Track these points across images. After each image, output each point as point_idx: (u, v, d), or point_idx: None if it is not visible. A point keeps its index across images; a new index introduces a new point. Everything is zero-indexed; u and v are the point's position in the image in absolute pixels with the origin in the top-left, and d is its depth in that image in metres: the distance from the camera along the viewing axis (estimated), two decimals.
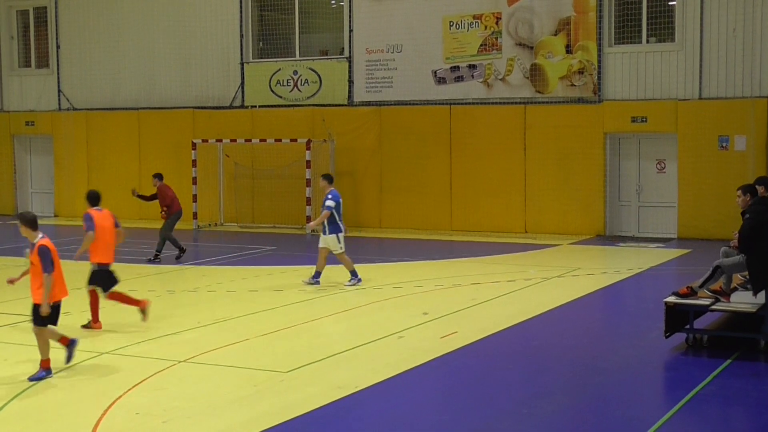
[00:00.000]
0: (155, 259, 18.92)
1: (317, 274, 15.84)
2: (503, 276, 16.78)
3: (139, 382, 9.86)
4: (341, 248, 15.63)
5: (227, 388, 9.74)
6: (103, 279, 12.42)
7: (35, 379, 9.93)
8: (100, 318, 12.59)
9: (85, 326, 12.52)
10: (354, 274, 15.81)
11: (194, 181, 25.10)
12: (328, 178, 16.12)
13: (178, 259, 18.77)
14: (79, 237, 23.39)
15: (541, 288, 15.64)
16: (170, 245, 19.10)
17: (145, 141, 27.25)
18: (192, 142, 25.35)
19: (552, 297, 14.60)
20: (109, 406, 8.99)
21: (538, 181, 22.82)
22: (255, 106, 25.96)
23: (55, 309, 10.18)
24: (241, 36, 26.05)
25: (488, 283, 15.99)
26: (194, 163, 25.19)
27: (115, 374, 10.29)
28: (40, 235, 10.11)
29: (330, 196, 15.61)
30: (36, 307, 10.05)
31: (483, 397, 9.51)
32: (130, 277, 17.23)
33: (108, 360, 10.96)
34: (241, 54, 26.09)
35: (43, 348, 10.09)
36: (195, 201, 25.04)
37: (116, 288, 12.56)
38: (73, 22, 28.53)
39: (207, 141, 25.48)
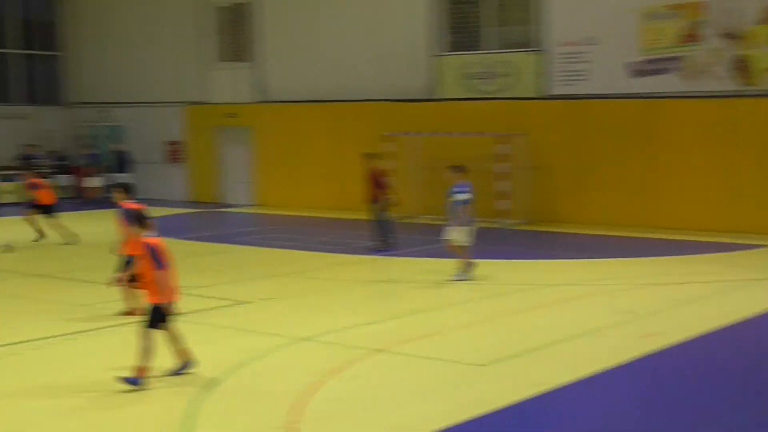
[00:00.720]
0: (388, 245, 19.16)
1: (468, 267, 15.58)
2: (710, 276, 16.02)
3: (337, 370, 10.03)
4: (467, 242, 15.40)
5: (425, 378, 9.79)
6: None
7: (129, 382, 9.21)
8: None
9: None
10: (465, 270, 15.44)
11: (390, 173, 25.33)
12: (461, 170, 15.77)
13: (374, 250, 18.99)
14: (277, 226, 24.43)
15: (751, 290, 14.82)
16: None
17: (341, 133, 27.77)
18: (386, 135, 25.64)
19: (764, 300, 13.81)
20: (311, 391, 9.19)
21: (746, 177, 21.60)
22: (448, 99, 25.98)
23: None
24: (436, 29, 26.13)
25: (694, 283, 15.31)
26: (389, 155, 25.45)
27: (312, 361, 10.52)
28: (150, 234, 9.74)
29: (467, 188, 15.44)
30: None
31: (687, 400, 9.11)
32: (322, 265, 17.69)
33: (304, 346, 11.24)
34: (434, 47, 26.16)
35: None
36: None
37: None
38: (272, 18, 29.43)
39: (402, 134, 25.71)
